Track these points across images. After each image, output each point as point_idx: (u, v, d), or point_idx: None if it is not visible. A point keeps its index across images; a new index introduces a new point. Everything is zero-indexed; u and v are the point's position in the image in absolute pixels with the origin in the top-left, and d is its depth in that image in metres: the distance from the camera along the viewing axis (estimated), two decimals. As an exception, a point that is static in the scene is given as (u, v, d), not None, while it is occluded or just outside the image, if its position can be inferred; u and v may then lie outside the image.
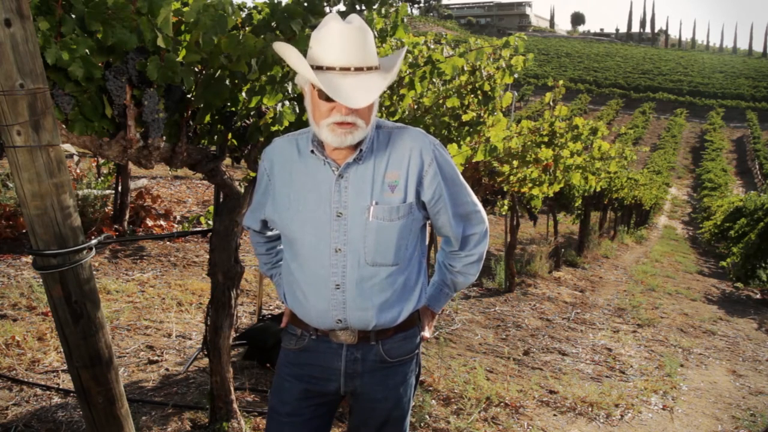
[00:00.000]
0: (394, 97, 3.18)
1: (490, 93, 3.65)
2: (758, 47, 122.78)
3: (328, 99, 1.38)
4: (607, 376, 4.35)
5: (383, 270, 1.48)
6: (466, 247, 1.61)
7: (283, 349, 1.64)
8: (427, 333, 1.67)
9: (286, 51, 1.43)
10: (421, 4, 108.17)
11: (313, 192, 1.49)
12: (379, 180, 1.47)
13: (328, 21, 1.38)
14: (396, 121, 1.80)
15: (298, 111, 2.37)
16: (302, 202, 1.50)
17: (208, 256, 2.64)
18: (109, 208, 6.99)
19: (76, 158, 8.98)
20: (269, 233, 1.71)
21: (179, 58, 1.85)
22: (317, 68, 1.38)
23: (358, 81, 1.37)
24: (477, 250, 1.62)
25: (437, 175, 1.51)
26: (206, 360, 3.17)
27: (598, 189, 9.38)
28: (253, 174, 2.53)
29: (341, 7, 2.25)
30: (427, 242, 1.65)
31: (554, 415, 3.48)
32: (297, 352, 1.59)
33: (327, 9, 2.14)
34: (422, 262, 1.60)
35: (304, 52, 1.42)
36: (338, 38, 1.36)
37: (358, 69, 1.38)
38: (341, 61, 1.37)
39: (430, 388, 3.55)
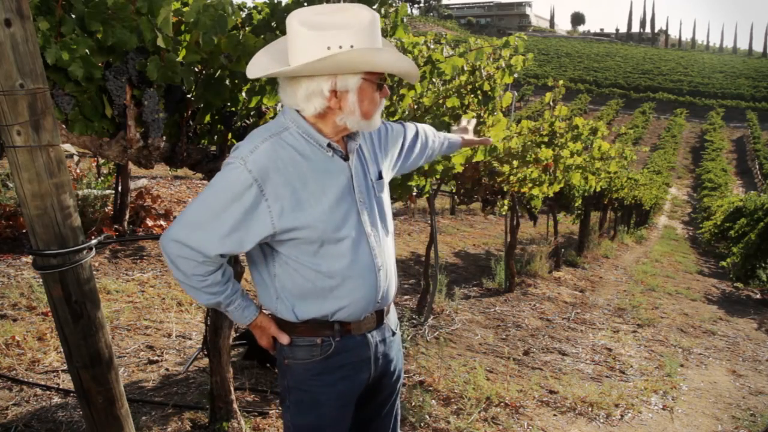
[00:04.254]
0: (394, 97, 3.18)
1: (490, 93, 3.66)
2: (758, 47, 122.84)
3: (380, 87, 1.44)
4: (607, 376, 4.34)
5: (392, 237, 1.62)
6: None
7: (300, 365, 1.52)
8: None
9: (365, 56, 1.36)
10: (421, 4, 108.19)
11: (333, 186, 1.46)
12: (370, 158, 1.59)
13: (348, 6, 1.40)
14: (395, 121, 1.83)
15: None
16: (325, 199, 1.43)
17: (208, 256, 2.64)
18: (109, 208, 6.99)
19: (76, 158, 8.97)
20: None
21: (179, 58, 1.85)
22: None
23: (398, 55, 1.45)
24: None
25: (387, 138, 1.71)
26: (206, 360, 3.17)
27: (598, 189, 9.38)
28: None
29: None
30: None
31: (554, 415, 3.48)
32: (324, 361, 1.51)
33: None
34: None
35: None
36: (368, 23, 1.39)
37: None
38: (378, 42, 1.43)
39: (430, 388, 3.55)
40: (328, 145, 1.45)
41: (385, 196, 1.59)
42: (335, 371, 1.53)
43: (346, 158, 1.49)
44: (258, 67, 1.44)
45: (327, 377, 1.52)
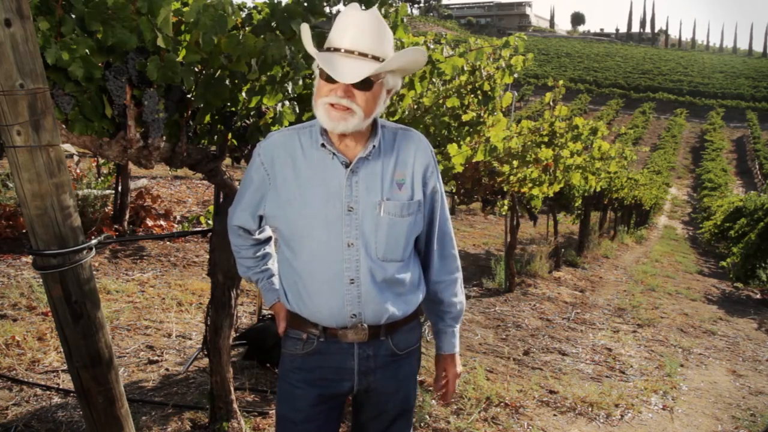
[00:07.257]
0: (395, 97, 3.18)
1: (490, 93, 3.65)
2: (758, 47, 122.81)
3: (328, 79, 1.41)
4: (607, 376, 4.34)
5: (392, 265, 1.51)
6: (449, 268, 1.66)
7: (287, 355, 1.59)
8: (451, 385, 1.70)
9: (302, 31, 1.47)
10: (421, 4, 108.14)
11: (321, 187, 1.47)
12: (388, 177, 1.50)
13: (348, 8, 1.44)
14: (396, 122, 1.81)
15: (298, 111, 2.36)
16: (308, 197, 1.47)
17: (208, 256, 2.64)
18: (109, 208, 7.00)
19: (76, 158, 8.98)
20: (257, 235, 1.65)
21: (179, 58, 1.85)
22: (326, 49, 1.43)
23: (357, 62, 1.40)
24: (459, 274, 1.68)
25: (433, 176, 1.60)
26: (206, 360, 3.17)
27: (598, 189, 9.38)
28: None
29: (341, 6, 2.24)
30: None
31: (554, 415, 3.48)
32: (305, 357, 1.54)
33: (327, 9, 2.14)
34: (417, 258, 1.64)
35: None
36: (350, 22, 1.41)
37: (362, 54, 1.40)
38: (346, 43, 1.40)
39: (430, 388, 3.55)
40: (322, 145, 1.48)
41: (402, 221, 1.50)
42: (314, 370, 1.54)
43: (348, 164, 1.48)
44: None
45: (306, 374, 1.55)
